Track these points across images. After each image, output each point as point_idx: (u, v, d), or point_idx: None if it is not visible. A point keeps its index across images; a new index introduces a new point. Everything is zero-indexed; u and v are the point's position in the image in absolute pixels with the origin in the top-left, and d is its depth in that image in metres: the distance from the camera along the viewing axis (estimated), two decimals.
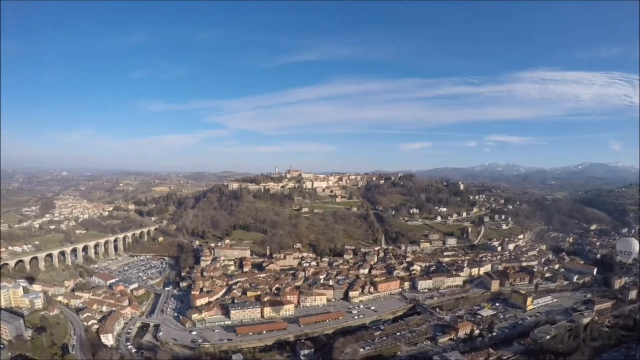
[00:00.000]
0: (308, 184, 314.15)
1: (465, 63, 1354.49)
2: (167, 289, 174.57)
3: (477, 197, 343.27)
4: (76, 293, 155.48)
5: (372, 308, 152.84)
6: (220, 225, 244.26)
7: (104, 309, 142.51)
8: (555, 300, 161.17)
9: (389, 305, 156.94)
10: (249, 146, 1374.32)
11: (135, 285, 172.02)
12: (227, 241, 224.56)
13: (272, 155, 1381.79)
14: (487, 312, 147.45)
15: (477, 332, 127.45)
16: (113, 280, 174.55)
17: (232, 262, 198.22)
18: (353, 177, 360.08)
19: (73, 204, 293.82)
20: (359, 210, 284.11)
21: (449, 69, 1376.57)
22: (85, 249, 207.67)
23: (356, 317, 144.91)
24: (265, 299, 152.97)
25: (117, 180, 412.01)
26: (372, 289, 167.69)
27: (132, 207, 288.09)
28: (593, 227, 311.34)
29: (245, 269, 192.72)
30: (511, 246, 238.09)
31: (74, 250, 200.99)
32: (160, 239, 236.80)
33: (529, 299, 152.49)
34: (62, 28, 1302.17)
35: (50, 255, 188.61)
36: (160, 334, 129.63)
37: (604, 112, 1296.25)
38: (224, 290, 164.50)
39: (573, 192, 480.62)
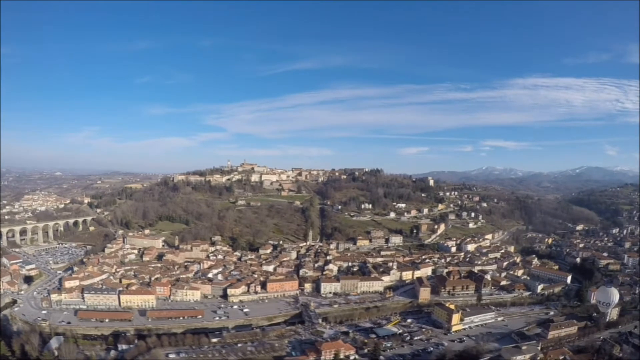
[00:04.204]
0: (256, 177, 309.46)
1: (456, 70, 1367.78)
2: (59, 272, 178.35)
3: (447, 194, 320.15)
4: None
5: (245, 310, 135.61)
6: (149, 215, 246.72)
7: None
8: (500, 318, 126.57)
9: (269, 309, 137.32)
10: (248, 149, 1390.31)
11: (32, 266, 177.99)
12: (147, 231, 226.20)
13: (271, 159, 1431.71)
14: (387, 330, 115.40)
15: (352, 357, 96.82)
16: (16, 261, 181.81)
17: (135, 251, 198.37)
18: (315, 172, 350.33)
19: (38, 199, 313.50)
20: (302, 204, 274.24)
21: (441, 75, 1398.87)
22: (12, 234, 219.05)
23: (217, 318, 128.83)
24: (133, 288, 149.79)
25: (100, 180, 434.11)
26: (258, 289, 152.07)
27: (86, 200, 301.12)
28: (579, 227, 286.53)
29: (146, 259, 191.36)
30: (472, 247, 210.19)
31: None
32: (92, 228, 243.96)
33: (455, 316, 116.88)
34: (69, 33, 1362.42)
35: None
36: (17, 309, 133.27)
37: (596, 117, 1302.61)
38: (102, 276, 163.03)
39: (567, 194, 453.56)
